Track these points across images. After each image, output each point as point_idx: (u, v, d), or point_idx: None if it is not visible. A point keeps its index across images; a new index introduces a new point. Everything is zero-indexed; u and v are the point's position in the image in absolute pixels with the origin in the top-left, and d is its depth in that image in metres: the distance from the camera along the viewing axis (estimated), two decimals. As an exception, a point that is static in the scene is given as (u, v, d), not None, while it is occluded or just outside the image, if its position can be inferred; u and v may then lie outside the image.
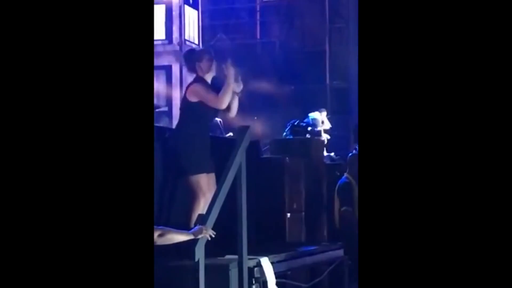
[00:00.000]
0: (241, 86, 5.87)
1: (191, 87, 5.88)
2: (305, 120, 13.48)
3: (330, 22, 17.74)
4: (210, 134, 6.14)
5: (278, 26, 18.31)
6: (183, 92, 6.00)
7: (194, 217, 5.65)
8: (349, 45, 16.69)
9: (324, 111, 14.56)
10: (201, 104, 5.74)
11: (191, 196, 5.71)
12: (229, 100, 5.74)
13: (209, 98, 5.72)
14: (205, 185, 5.71)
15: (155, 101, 14.98)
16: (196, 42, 16.59)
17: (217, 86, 5.86)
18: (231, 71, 5.74)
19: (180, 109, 6.03)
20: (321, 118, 14.38)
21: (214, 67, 5.91)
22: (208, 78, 5.89)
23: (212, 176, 5.79)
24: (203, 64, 5.86)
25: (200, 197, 5.69)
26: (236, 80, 5.78)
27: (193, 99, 5.79)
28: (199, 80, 5.88)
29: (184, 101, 5.89)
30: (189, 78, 6.23)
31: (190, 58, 5.98)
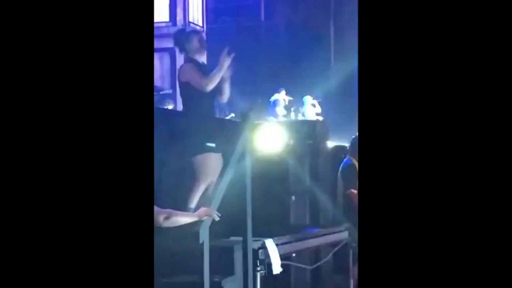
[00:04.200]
0: (230, 71, 5.85)
1: (181, 67, 5.94)
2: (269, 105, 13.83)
3: (334, 4, 17.71)
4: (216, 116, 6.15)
5: (282, 7, 18.27)
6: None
7: (193, 197, 5.66)
8: (353, 27, 16.62)
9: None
10: (191, 85, 5.76)
11: (195, 176, 5.71)
12: (215, 84, 5.73)
13: (196, 79, 5.73)
14: (210, 165, 5.71)
15: (159, 84, 15.00)
16: (200, 24, 16.54)
17: (209, 69, 5.87)
18: (225, 59, 5.71)
19: (180, 93, 6.06)
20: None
21: (204, 48, 5.93)
22: (199, 59, 5.90)
23: (218, 156, 5.77)
24: (193, 46, 5.88)
25: (203, 177, 5.69)
26: (227, 66, 5.79)
27: (182, 79, 5.82)
28: (189, 60, 5.90)
29: (178, 82, 5.93)
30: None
31: (180, 39, 5.98)
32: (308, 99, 15.27)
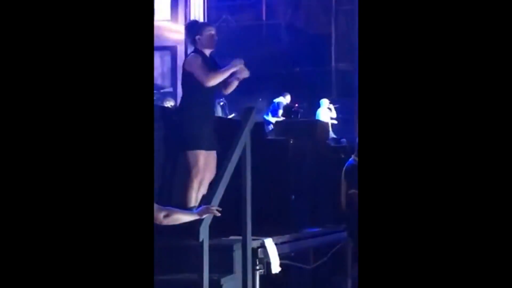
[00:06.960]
0: (247, 75, 5.87)
1: (187, 57, 5.91)
2: (272, 105, 13.84)
3: (336, 4, 17.69)
4: (216, 115, 6.14)
5: (283, 7, 18.24)
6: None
7: (189, 194, 5.65)
8: (355, 28, 16.59)
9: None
10: (193, 76, 5.74)
11: (187, 173, 5.71)
12: (217, 82, 5.73)
13: (199, 71, 5.71)
14: (202, 162, 5.69)
15: (160, 82, 14.98)
16: (202, 22, 16.52)
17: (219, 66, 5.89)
18: (237, 64, 5.75)
19: (181, 83, 6.02)
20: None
21: (214, 43, 5.90)
22: (207, 52, 5.88)
23: (211, 153, 5.76)
24: (203, 38, 5.85)
25: (194, 174, 5.67)
26: (242, 69, 5.80)
27: (187, 68, 5.79)
28: (196, 51, 5.88)
29: (182, 72, 5.90)
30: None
31: (192, 30, 5.97)
32: (325, 102, 15.34)
